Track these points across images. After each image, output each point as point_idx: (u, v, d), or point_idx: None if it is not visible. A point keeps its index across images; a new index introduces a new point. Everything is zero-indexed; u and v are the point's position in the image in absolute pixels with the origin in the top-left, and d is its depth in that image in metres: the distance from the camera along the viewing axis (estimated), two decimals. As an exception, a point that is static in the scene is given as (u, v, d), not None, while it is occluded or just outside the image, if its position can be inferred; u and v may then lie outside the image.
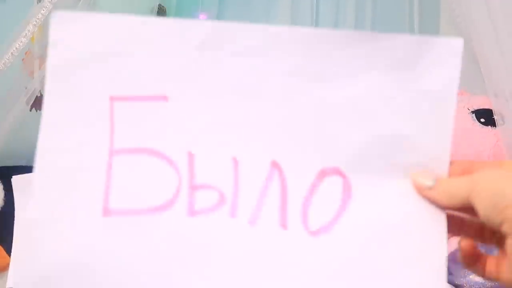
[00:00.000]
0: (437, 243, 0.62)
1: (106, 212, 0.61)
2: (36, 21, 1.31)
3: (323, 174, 0.63)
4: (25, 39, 1.31)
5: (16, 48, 1.31)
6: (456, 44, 0.62)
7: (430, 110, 0.63)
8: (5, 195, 1.33)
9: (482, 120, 1.37)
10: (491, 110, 1.32)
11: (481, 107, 1.40)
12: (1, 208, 1.32)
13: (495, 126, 1.33)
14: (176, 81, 0.63)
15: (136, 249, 0.61)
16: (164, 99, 0.63)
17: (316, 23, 1.70)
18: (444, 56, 0.63)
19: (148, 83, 0.63)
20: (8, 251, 1.09)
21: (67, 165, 0.62)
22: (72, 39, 0.63)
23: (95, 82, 0.63)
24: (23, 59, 1.41)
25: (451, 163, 0.63)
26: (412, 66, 0.63)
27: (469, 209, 0.59)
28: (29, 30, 1.31)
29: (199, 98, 0.63)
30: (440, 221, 0.62)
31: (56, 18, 0.63)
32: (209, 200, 0.62)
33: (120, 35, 0.64)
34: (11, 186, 1.13)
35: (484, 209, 0.55)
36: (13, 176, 1.03)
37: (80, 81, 0.63)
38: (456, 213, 0.63)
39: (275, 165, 0.63)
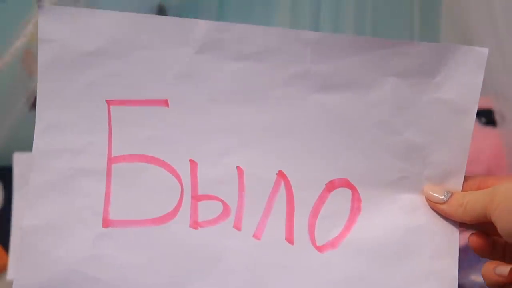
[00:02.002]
0: (449, 260, 0.60)
1: (106, 223, 0.60)
2: (36, 21, 1.31)
3: (331, 186, 0.61)
4: (25, 39, 1.31)
5: (16, 48, 1.30)
6: (480, 53, 0.59)
7: (448, 121, 0.60)
8: (5, 195, 1.32)
9: (483, 120, 1.36)
10: (492, 110, 1.32)
11: (482, 107, 1.40)
12: (1, 208, 1.32)
13: (496, 126, 1.33)
14: (177, 85, 0.60)
15: (137, 261, 0.59)
16: (164, 103, 0.61)
17: (316, 24, 1.70)
18: (467, 65, 0.59)
19: (147, 86, 0.61)
20: (8, 251, 1.08)
21: (65, 170, 0.61)
22: (64, 36, 0.60)
23: (90, 84, 0.61)
24: (23, 59, 1.41)
25: (465, 178, 0.61)
26: (432, 74, 0.60)
27: (485, 224, 0.56)
28: (29, 30, 1.31)
29: (201, 103, 0.61)
30: (453, 237, 0.60)
31: (45, 13, 0.59)
32: (212, 211, 0.61)
33: (116, 33, 0.61)
34: (11, 186, 1.12)
35: (504, 224, 0.52)
36: (15, 153, 1.01)
37: (74, 82, 0.61)
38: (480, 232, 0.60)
39: (281, 175, 0.60)
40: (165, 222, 0.60)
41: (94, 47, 0.61)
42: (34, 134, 0.62)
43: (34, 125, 1.35)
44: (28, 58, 1.44)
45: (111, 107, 0.61)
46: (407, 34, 1.71)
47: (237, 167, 0.61)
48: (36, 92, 1.42)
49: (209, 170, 0.61)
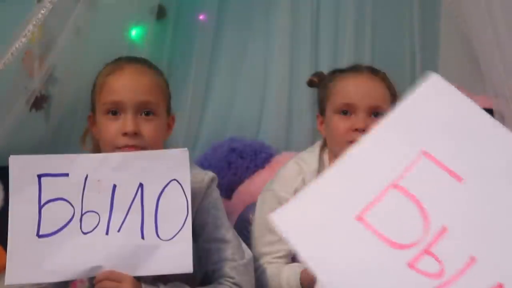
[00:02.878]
0: None
1: (359, 218, 0.70)
2: (36, 21, 1.31)
3: None
4: (25, 39, 1.31)
5: (16, 48, 1.31)
6: None
7: None
8: (5, 195, 1.32)
9: (482, 120, 1.36)
10: (491, 109, 1.32)
11: (482, 107, 1.40)
12: (1, 208, 1.32)
13: (495, 126, 1.33)
14: (472, 164, 0.71)
15: (363, 265, 0.69)
16: (458, 179, 0.71)
17: (316, 23, 1.69)
18: None
19: (455, 161, 0.71)
20: (8, 251, 1.06)
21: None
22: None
23: (412, 134, 0.73)
24: (23, 59, 1.41)
25: None
26: None
27: None
28: (29, 30, 1.31)
29: (488, 187, 0.69)
30: None
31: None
32: (430, 267, 0.68)
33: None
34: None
35: None
36: (10, 156, 1.00)
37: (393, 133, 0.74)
38: None
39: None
40: (398, 248, 0.69)
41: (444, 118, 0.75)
42: None
43: (34, 125, 1.33)
44: (28, 58, 1.44)
45: (424, 156, 0.72)
46: (407, 34, 1.70)
47: (471, 257, 0.68)
48: (36, 92, 1.42)
49: (451, 241, 0.69)
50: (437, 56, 1.70)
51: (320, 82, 1.32)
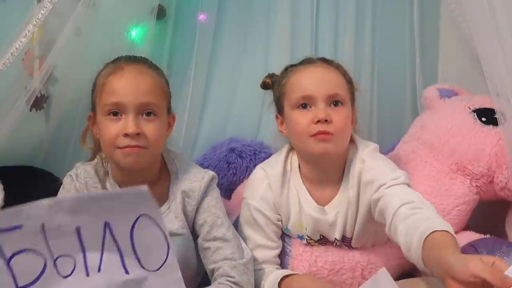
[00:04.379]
0: None
1: None
2: (36, 21, 1.31)
3: None
4: (25, 39, 1.31)
5: (16, 48, 1.30)
6: None
7: None
8: (5, 195, 1.32)
9: (483, 119, 1.36)
10: (492, 109, 1.32)
11: (482, 106, 1.40)
12: (1, 208, 1.32)
13: (497, 125, 1.33)
14: None
15: None
16: None
17: (316, 23, 1.69)
18: None
19: None
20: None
21: None
22: None
23: None
24: (23, 59, 1.41)
25: None
26: None
27: None
28: (29, 30, 1.31)
29: None
30: None
31: None
32: None
33: None
34: (11, 186, 1.11)
35: None
36: None
37: None
38: None
39: None
40: None
41: None
42: None
43: (34, 125, 1.32)
44: (28, 58, 1.44)
45: None
46: (407, 34, 1.70)
47: None
48: (36, 92, 1.41)
49: None
50: (437, 56, 1.70)
51: (274, 82, 1.28)
